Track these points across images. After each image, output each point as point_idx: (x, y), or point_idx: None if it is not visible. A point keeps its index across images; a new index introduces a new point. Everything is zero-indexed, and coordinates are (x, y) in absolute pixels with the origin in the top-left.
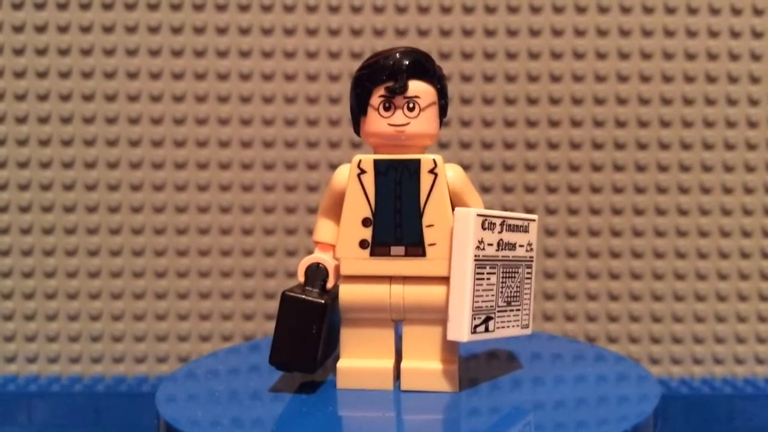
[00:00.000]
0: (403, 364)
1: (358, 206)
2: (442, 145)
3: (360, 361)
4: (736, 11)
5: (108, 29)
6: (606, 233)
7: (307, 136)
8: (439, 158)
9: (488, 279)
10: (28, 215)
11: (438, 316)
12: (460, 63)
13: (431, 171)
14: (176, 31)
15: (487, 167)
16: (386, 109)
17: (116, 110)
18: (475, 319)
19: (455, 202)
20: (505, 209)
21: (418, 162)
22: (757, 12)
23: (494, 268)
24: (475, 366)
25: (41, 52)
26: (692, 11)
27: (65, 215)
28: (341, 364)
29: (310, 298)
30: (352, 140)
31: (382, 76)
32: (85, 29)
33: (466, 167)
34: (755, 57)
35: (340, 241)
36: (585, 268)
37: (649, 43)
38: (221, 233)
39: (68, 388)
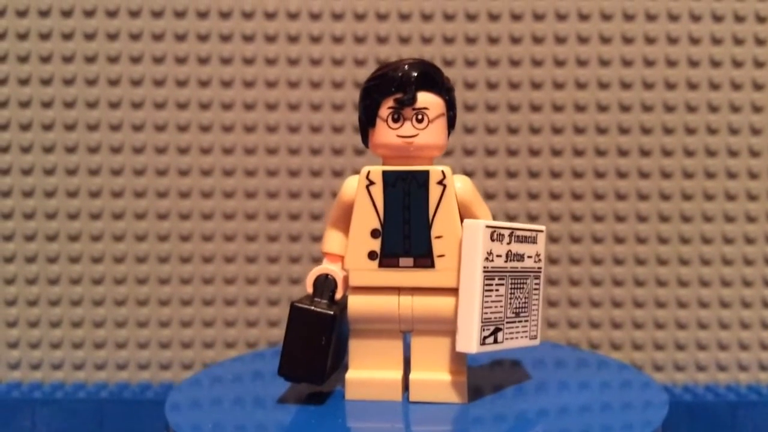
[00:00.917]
0: (412, 376)
1: (367, 217)
2: (446, 152)
3: (369, 372)
4: (761, 19)
5: (112, 36)
6: (609, 240)
7: (310, 143)
8: (447, 169)
9: (497, 290)
10: (32, 222)
11: (447, 327)
12: (464, 70)
13: (440, 182)
14: (180, 38)
15: (491, 174)
16: (395, 120)
17: (120, 117)
18: (484, 330)
19: (464, 213)
20: (508, 216)
21: (426, 173)
22: None
23: (503, 279)
24: (479, 374)
25: (45, 59)
26: (695, 18)
27: (69, 222)
28: (350, 375)
29: (319, 310)
30: (356, 147)
31: (391, 87)
32: (89, 36)
33: (469, 174)
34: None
35: (348, 253)
36: (588, 275)
37: (651, 50)
38: (225, 240)
39: (72, 395)
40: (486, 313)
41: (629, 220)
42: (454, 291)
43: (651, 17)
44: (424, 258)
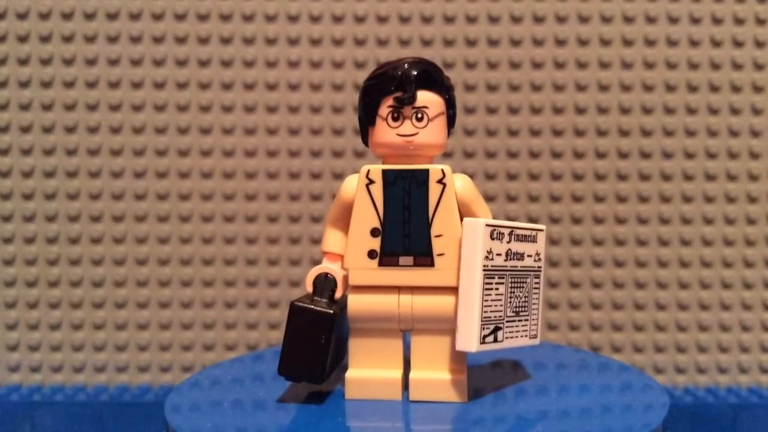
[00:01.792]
0: (412, 375)
1: (367, 216)
2: (446, 154)
3: (369, 371)
4: (760, 21)
5: (112, 39)
6: (610, 242)
7: (310, 146)
8: (447, 168)
9: (497, 289)
10: (32, 225)
11: (446, 326)
12: (464, 72)
13: (440, 181)
14: (180, 41)
15: (491, 176)
16: (395, 119)
17: (120, 120)
18: (483, 329)
19: (463, 212)
20: (508, 219)
21: (426, 172)
22: None
23: (503, 278)
24: (479, 375)
25: (45, 62)
26: (694, 21)
27: (69, 224)
28: (350, 374)
29: (318, 308)
30: (356, 149)
31: (391, 86)
32: (90, 39)
33: (469, 176)
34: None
35: (348, 251)
36: (589, 277)
37: (651, 52)
38: (225, 242)
39: (72, 398)
40: (486, 311)
41: (630, 222)
42: (453, 290)
43: (651, 20)
44: (424, 257)
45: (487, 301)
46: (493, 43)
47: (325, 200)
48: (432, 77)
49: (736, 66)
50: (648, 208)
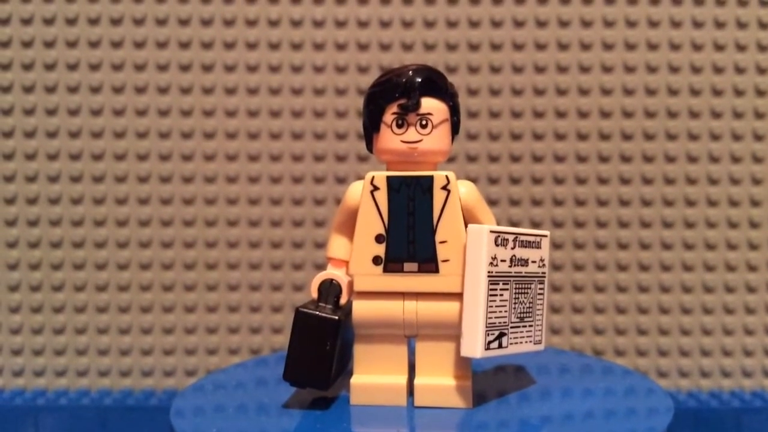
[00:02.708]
0: (417, 381)
1: (372, 223)
2: (449, 159)
3: (373, 377)
4: (763, 25)
5: (116, 44)
6: (613, 246)
7: (314, 150)
8: (451, 175)
9: (501, 295)
10: (36, 229)
11: (451, 332)
12: (467, 77)
13: (444, 187)
14: (184, 46)
15: (494, 180)
16: (399, 126)
17: (123, 124)
18: (488, 335)
19: (468, 218)
20: (512, 223)
21: (431, 178)
22: None
23: (507, 284)
24: (483, 380)
25: (50, 67)
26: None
27: (73, 229)
28: (355, 380)
29: (323, 315)
30: (359, 154)
31: (395, 93)
32: (94, 44)
33: (472, 180)
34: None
35: (353, 258)
36: (592, 281)
37: (654, 57)
38: (228, 247)
39: (75, 402)
40: (490, 318)
41: (632, 226)
42: (458, 296)
43: (653, 24)
44: (429, 263)
45: (491, 307)
46: (495, 47)
47: (329, 204)
48: (436, 84)
49: (739, 70)
50: (651, 212)
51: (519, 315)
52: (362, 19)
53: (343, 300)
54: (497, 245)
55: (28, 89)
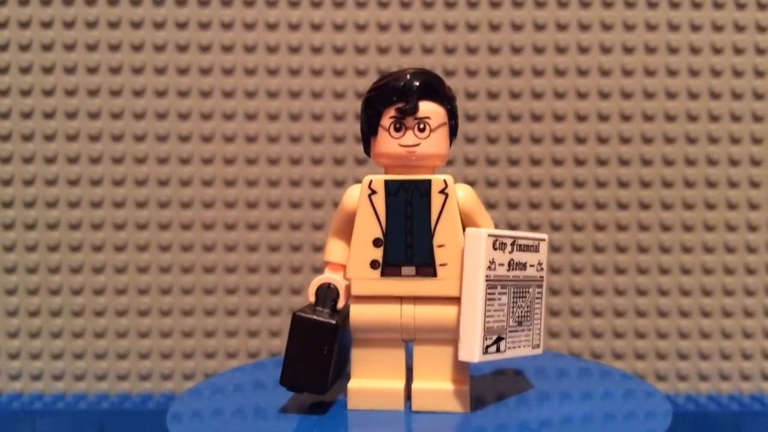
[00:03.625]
0: (414, 385)
1: (369, 227)
2: (447, 162)
3: (371, 381)
4: (761, 28)
5: (114, 47)
6: (611, 249)
7: (311, 153)
8: (449, 178)
9: (499, 299)
10: (33, 233)
11: (449, 336)
12: (465, 80)
13: (442, 191)
14: (182, 49)
15: (492, 184)
16: (397, 130)
17: (121, 128)
18: (486, 339)
19: (466, 222)
20: (510, 226)
21: (428, 182)
22: None
23: (505, 288)
24: (481, 383)
25: (48, 70)
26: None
27: (70, 232)
28: (352, 384)
29: (321, 319)
30: (357, 157)
31: (393, 97)
32: (92, 47)
33: (470, 183)
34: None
35: (350, 262)
36: (590, 285)
37: (652, 60)
38: (226, 250)
39: (73, 406)
40: (488, 322)
41: (631, 229)
42: (456, 300)
43: (651, 27)
44: (427, 267)
45: (489, 311)
46: (494, 50)
47: (327, 208)
48: (434, 88)
49: (737, 73)
50: (649, 215)
51: (517, 319)
52: (360, 23)
53: (340, 304)
54: (495, 249)
55: (26, 92)
